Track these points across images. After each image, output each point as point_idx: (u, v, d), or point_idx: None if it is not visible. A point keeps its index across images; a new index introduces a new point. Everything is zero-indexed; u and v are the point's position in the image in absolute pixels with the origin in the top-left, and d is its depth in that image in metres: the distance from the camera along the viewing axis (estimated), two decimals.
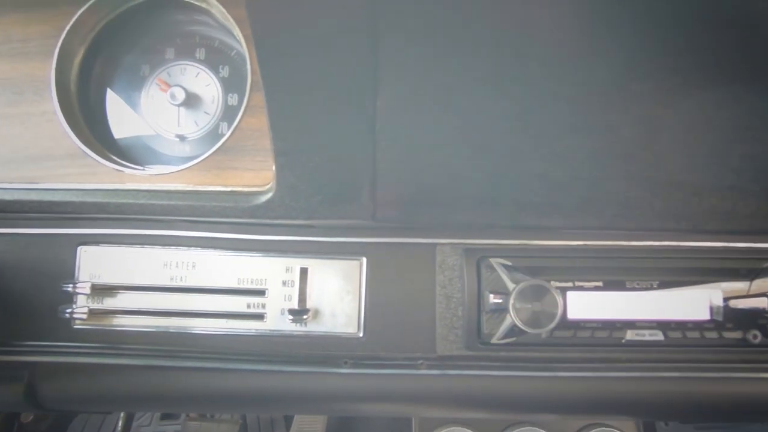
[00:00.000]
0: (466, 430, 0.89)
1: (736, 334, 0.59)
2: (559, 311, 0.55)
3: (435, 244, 0.63)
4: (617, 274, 0.59)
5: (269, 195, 0.50)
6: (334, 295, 0.64)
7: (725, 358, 0.60)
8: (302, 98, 0.42)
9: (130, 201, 0.60)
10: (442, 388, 0.63)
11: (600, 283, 0.59)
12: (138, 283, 0.63)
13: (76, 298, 0.63)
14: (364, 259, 0.63)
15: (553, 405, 0.64)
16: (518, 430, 0.89)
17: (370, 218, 0.49)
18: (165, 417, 1.85)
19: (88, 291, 0.62)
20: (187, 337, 0.63)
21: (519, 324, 0.56)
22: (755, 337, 0.58)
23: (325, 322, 0.64)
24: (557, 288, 0.58)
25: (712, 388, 0.62)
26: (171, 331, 0.63)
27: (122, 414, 1.47)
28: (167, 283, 0.63)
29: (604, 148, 0.45)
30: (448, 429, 0.89)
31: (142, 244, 0.64)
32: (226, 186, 0.57)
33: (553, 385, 0.62)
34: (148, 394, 0.64)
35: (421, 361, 0.62)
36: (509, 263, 0.60)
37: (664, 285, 0.59)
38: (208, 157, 0.59)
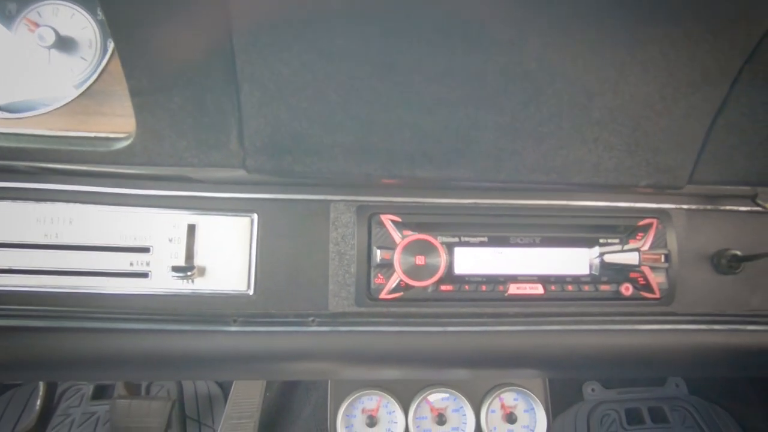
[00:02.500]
0: (381, 392, 0.91)
1: (611, 288, 0.62)
2: (442, 264, 0.56)
3: (329, 201, 0.62)
4: (502, 230, 0.61)
5: (131, 140, 0.47)
6: (224, 252, 0.62)
7: (601, 311, 0.63)
8: (151, 31, 0.39)
9: None
10: (334, 345, 0.63)
11: (485, 239, 0.60)
12: (6, 240, 0.59)
13: None
14: (256, 216, 0.62)
15: (443, 359, 0.65)
16: (431, 391, 0.92)
17: (241, 167, 0.47)
18: (96, 397, 1.79)
19: None
20: (65, 297, 0.60)
21: (404, 278, 0.57)
22: (627, 289, 0.62)
23: (214, 281, 0.62)
24: (444, 243, 0.59)
25: (591, 340, 0.65)
26: (46, 290, 0.60)
27: (41, 392, 1.41)
28: (40, 240, 0.59)
29: (471, 96, 0.45)
30: (361, 393, 0.90)
31: (12, 198, 0.59)
32: (90, 132, 0.54)
33: (443, 340, 0.63)
34: (21, 359, 0.61)
35: (312, 318, 0.62)
36: (398, 219, 0.60)
37: (546, 241, 0.61)
38: (73, 101, 0.56)
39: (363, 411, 0.92)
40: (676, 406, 1.84)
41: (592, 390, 1.89)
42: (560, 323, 0.64)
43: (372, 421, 0.91)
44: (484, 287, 0.60)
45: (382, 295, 0.60)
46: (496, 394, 0.91)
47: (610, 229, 0.62)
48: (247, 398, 1.68)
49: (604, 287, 0.61)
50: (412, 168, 0.47)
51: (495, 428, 0.93)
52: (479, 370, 0.69)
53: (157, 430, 1.55)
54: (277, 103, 0.44)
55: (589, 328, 0.64)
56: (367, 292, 0.61)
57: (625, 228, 0.62)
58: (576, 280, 0.61)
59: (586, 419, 1.80)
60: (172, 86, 0.43)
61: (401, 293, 0.60)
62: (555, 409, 1.48)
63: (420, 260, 0.57)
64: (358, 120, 0.45)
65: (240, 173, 0.48)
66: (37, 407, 1.34)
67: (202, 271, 0.62)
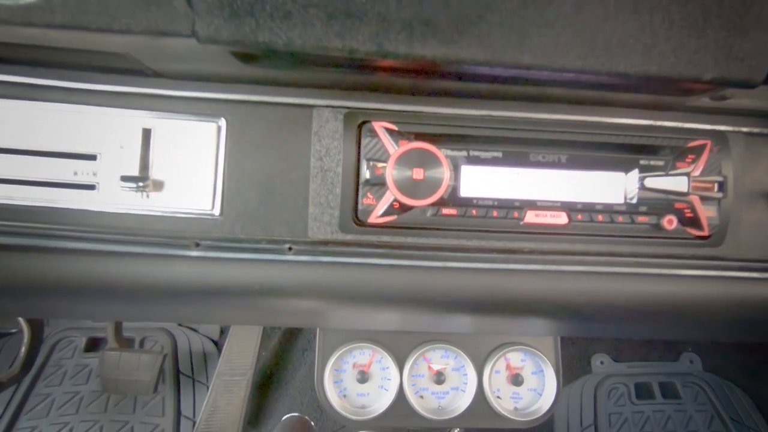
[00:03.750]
0: (374, 346, 0.82)
1: (650, 221, 0.51)
2: (445, 180, 0.46)
3: (312, 107, 0.51)
4: (520, 146, 0.50)
5: None
6: (186, 164, 0.52)
7: (635, 251, 0.52)
8: None
9: None
10: (314, 279, 0.53)
11: (499, 154, 0.49)
12: None
13: None
14: (223, 121, 0.51)
15: (443, 302, 0.55)
16: (430, 347, 0.83)
17: (190, 33, 0.37)
18: (89, 349, 1.76)
19: None
20: None
21: (398, 195, 0.46)
22: (670, 222, 0.50)
23: (174, 198, 0.52)
24: (449, 157, 0.48)
25: (620, 287, 0.55)
26: None
27: (26, 339, 1.35)
28: None
29: None
30: (352, 345, 0.82)
31: None
32: None
33: (443, 279, 0.53)
34: None
35: (288, 246, 0.52)
36: (394, 128, 0.50)
37: (574, 161, 0.50)
38: None
39: (354, 366, 0.84)
40: (688, 383, 1.75)
41: (601, 362, 1.81)
42: (585, 263, 0.53)
43: (363, 377, 0.82)
44: (495, 213, 0.49)
45: (372, 219, 0.50)
46: (501, 353, 0.82)
47: (654, 151, 0.51)
48: (240, 356, 1.63)
49: (641, 219, 0.50)
50: (410, 42, 0.36)
51: (498, 390, 0.84)
52: (484, 317, 0.60)
53: (147, 384, 1.51)
54: None
55: (620, 270, 0.53)
56: (353, 216, 0.50)
57: (672, 149, 0.51)
58: (608, 209, 0.50)
59: (593, 392, 1.72)
60: None
61: (394, 217, 0.49)
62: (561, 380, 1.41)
63: (418, 174, 0.46)
64: None
65: (190, 44, 0.37)
66: (22, 354, 1.29)
67: (159, 186, 0.52)
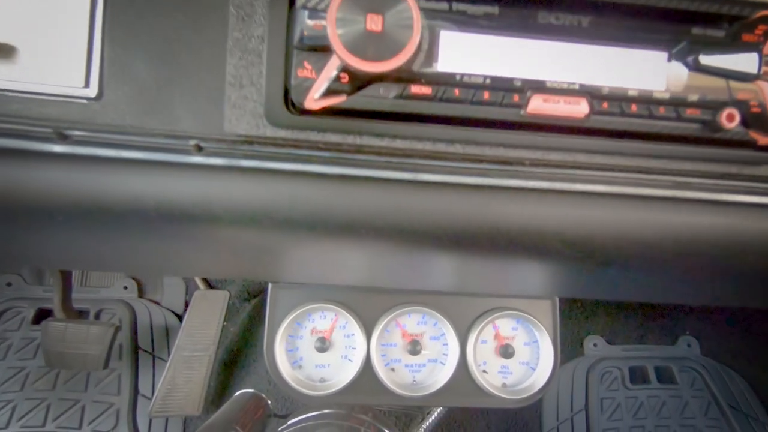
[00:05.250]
0: (337, 307, 0.68)
1: (701, 116, 0.36)
2: (416, 30, 0.30)
3: None
4: (524, 3, 0.34)
5: None
6: (47, 23, 0.36)
7: (679, 168, 0.37)
8: None
9: None
10: (232, 191, 0.38)
11: (494, 10, 0.34)
12: None
13: None
14: None
15: (412, 231, 0.40)
16: (403, 309, 0.69)
17: None
18: (37, 321, 1.60)
19: None
20: None
21: (345, 56, 0.31)
22: (731, 118, 0.36)
23: (30, 71, 0.36)
24: (424, 10, 0.33)
25: (655, 217, 0.40)
26: None
27: None
28: None
29: None
30: (310, 306, 0.67)
31: None
32: None
33: (413, 197, 0.38)
34: None
35: (196, 143, 0.37)
36: None
37: (599, 29, 0.35)
38: None
39: (313, 332, 0.69)
40: (685, 367, 1.66)
41: (594, 345, 1.70)
42: (607, 181, 0.39)
43: (323, 345, 0.68)
44: (487, 95, 0.34)
45: (310, 102, 0.34)
46: (489, 319, 0.68)
47: (711, 19, 0.36)
48: (202, 329, 1.48)
49: (691, 112, 0.35)
50: None
51: (485, 363, 0.71)
52: (468, 260, 0.45)
53: (96, 359, 1.36)
54: None
55: (656, 193, 0.39)
56: (284, 98, 0.35)
57: (738, 17, 0.36)
58: (645, 97, 0.35)
59: (585, 376, 1.62)
60: None
61: (343, 97, 0.34)
62: None
63: (374, 22, 0.30)
64: None
65: None
66: None
67: (8, 53, 0.36)
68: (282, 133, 0.36)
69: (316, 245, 0.44)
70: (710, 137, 0.36)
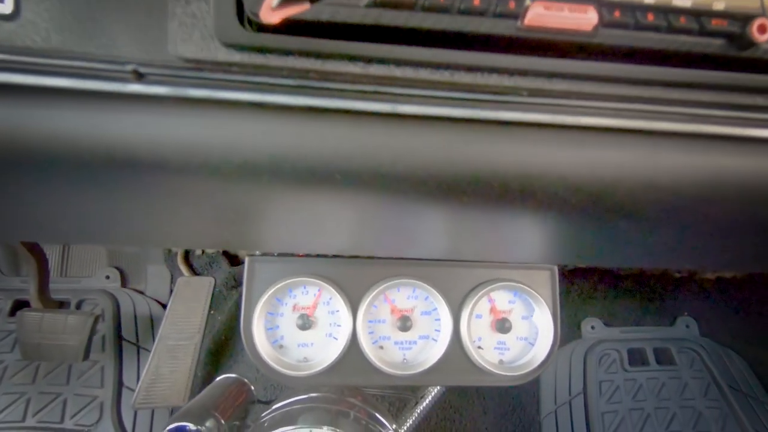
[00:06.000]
0: (321, 281, 0.62)
1: (731, 26, 0.30)
2: None
3: None
4: None
5: None
6: None
7: (702, 100, 0.32)
8: None
9: None
10: (179, 124, 0.32)
11: None
12: None
13: None
14: None
15: (390, 175, 0.35)
16: (392, 282, 0.63)
17: None
18: (12, 314, 1.53)
19: None
20: None
21: None
22: (762, 29, 0.30)
23: None
24: None
25: (674, 158, 0.35)
26: None
27: None
28: None
29: None
30: (291, 280, 0.62)
31: None
32: None
33: (392, 132, 0.33)
34: None
35: (134, 68, 0.31)
36: None
37: None
38: None
39: (294, 308, 0.64)
40: (684, 348, 1.63)
41: (592, 327, 1.67)
42: (617, 114, 0.33)
43: (306, 323, 0.63)
44: (477, 1, 0.28)
45: (266, 12, 0.28)
46: (483, 291, 0.63)
47: None
48: (187, 317, 1.42)
49: (716, 23, 0.30)
50: None
51: (480, 339, 0.66)
52: (455, 209, 0.39)
53: (74, 350, 1.30)
54: None
55: (672, 127, 0.34)
56: (237, 11, 0.29)
57: None
58: (663, 4, 0.30)
59: (583, 358, 1.58)
60: None
61: (306, 5, 0.28)
62: None
63: None
64: None
65: None
66: None
67: None
68: (237, 57, 0.30)
69: (287, 198, 0.39)
70: (737, 56, 0.31)
